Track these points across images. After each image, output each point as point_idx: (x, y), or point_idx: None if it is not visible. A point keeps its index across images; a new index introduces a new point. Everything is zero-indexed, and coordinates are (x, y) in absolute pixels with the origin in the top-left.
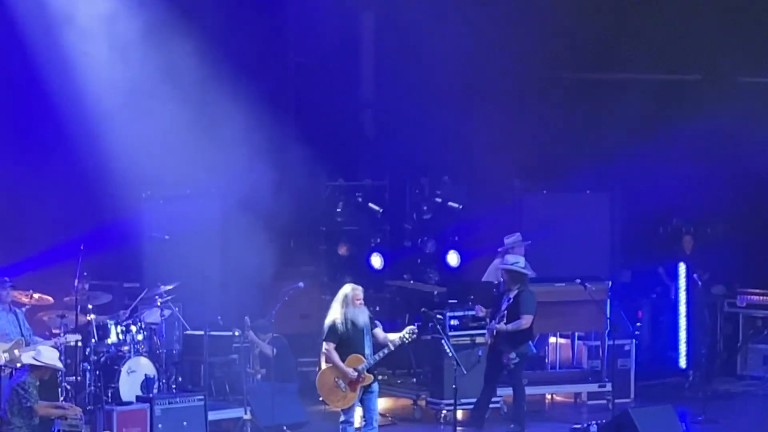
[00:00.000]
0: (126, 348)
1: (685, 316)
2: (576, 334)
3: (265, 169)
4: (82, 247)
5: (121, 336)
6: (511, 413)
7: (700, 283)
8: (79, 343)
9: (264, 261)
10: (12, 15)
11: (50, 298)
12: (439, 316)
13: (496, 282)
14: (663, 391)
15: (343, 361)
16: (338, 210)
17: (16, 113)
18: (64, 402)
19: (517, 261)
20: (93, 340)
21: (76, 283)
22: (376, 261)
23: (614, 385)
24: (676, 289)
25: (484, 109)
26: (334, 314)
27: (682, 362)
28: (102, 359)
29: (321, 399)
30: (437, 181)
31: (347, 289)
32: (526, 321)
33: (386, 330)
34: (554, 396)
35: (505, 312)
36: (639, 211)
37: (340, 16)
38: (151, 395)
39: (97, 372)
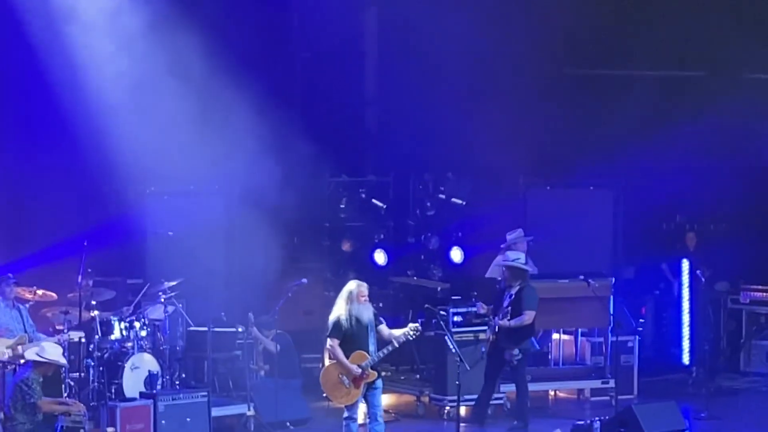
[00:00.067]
0: (129, 344)
1: (689, 313)
2: (579, 330)
3: (269, 166)
4: (85, 243)
5: (124, 332)
6: (514, 409)
7: (703, 279)
8: (83, 340)
9: (267, 257)
10: (16, 9)
11: (54, 295)
12: (442, 312)
13: (499, 278)
14: (666, 387)
15: (347, 357)
16: (342, 206)
17: (20, 108)
18: (67, 398)
19: (518, 257)
20: (96, 337)
21: (79, 280)
22: (380, 257)
23: (617, 382)
24: (680, 285)
25: (487, 106)
26: (339, 310)
27: (686, 359)
28: (105, 355)
29: (324, 395)
30: (441, 178)
31: (352, 285)
32: (528, 317)
33: (389, 326)
34: (557, 392)
35: (509, 308)
36: (642, 207)
37: (345, 12)
38: (154, 391)
39: (101, 368)
